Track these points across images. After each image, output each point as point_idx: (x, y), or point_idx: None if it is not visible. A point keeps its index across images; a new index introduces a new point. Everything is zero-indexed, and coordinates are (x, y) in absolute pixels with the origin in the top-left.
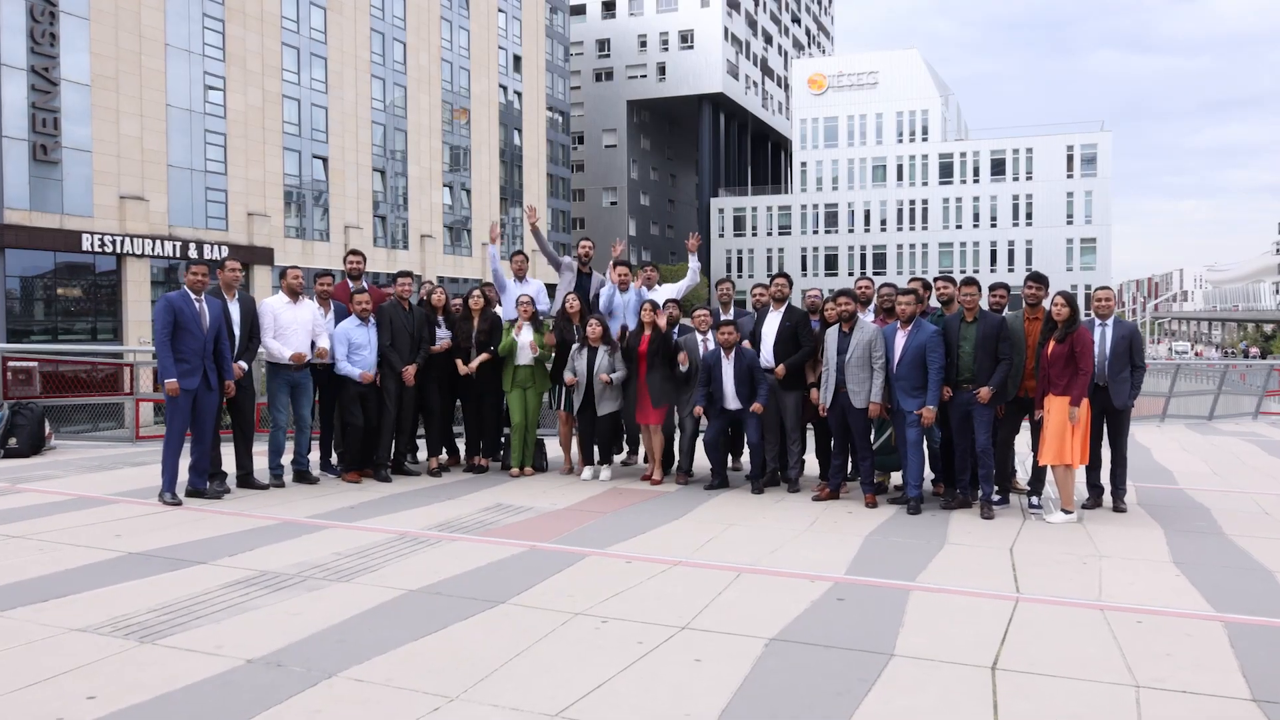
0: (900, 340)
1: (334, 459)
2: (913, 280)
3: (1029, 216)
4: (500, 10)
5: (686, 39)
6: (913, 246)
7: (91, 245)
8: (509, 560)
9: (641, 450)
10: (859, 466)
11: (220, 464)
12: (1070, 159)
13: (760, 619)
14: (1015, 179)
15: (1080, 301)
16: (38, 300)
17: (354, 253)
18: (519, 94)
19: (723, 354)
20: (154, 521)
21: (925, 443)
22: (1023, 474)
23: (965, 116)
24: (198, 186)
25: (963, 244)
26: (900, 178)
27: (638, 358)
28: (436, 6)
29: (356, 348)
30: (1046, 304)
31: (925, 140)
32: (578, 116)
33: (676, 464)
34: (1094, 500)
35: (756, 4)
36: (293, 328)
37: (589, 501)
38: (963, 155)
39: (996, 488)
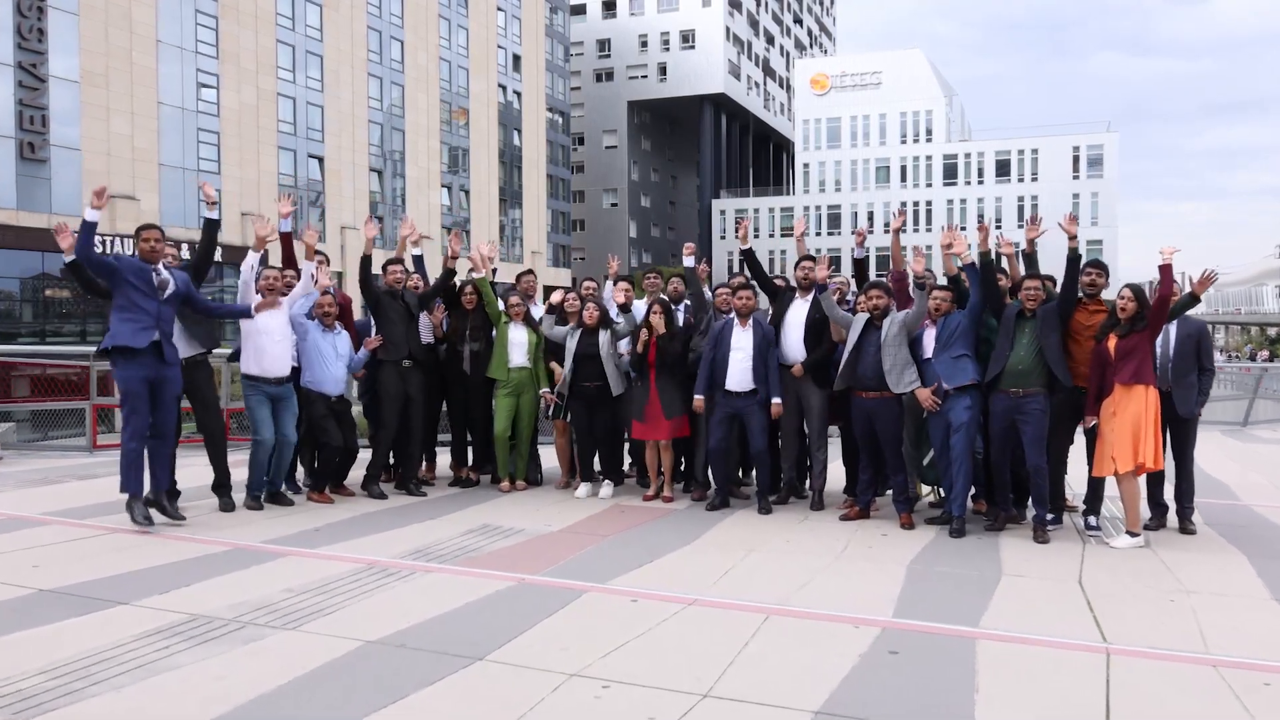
0: (929, 336)
1: (299, 475)
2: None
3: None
4: (499, 9)
5: (688, 39)
6: (916, 248)
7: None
8: (492, 599)
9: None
10: (890, 481)
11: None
12: (1076, 160)
13: (800, 681)
14: (1020, 180)
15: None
16: (26, 302)
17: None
18: (518, 94)
19: (736, 323)
20: (82, 549)
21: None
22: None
23: (967, 118)
24: (190, 186)
25: (967, 246)
26: (904, 179)
27: (646, 368)
28: (435, 5)
29: (322, 363)
30: (1107, 295)
31: (929, 141)
32: (578, 117)
33: (685, 481)
34: (1158, 520)
35: (758, 4)
36: (273, 334)
37: (587, 522)
38: (967, 156)
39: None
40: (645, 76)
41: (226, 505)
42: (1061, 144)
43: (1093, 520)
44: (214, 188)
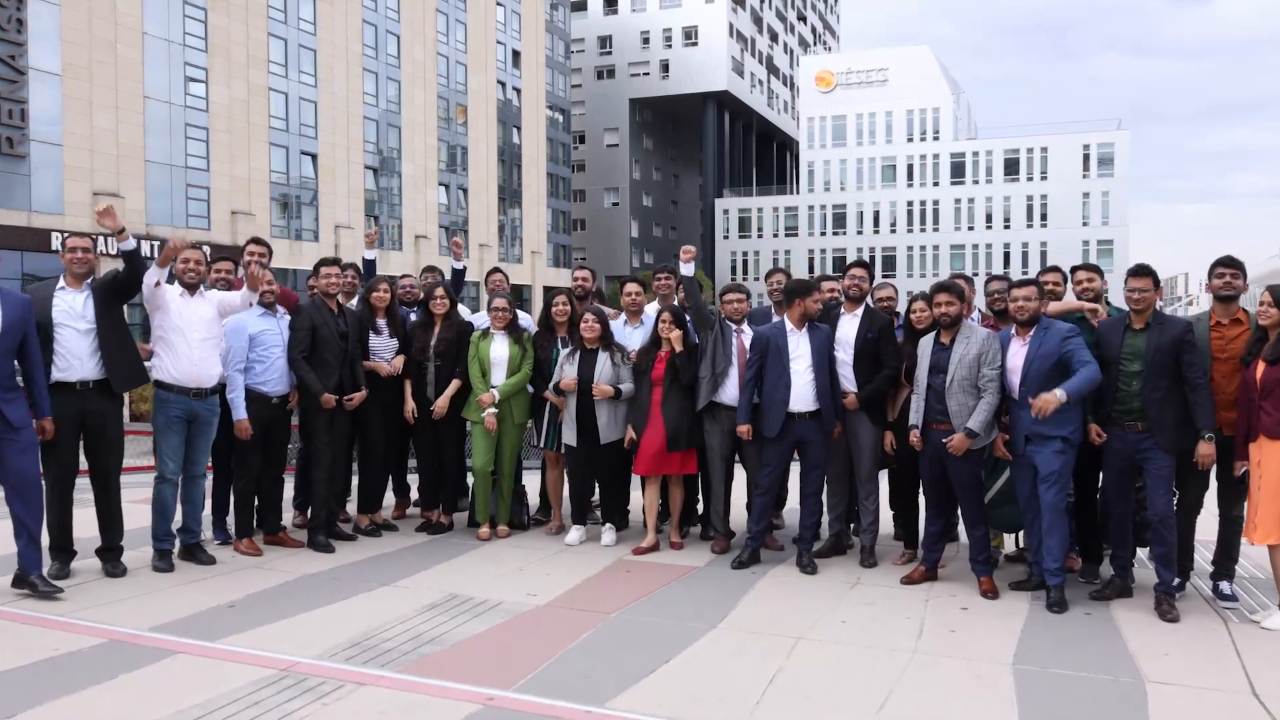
0: (1019, 351)
1: (229, 519)
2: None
3: (1044, 217)
4: (499, 4)
5: (690, 36)
6: (923, 248)
7: (62, 245)
8: None
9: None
10: (968, 536)
11: (70, 533)
12: (1086, 158)
13: None
14: (1029, 179)
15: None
16: None
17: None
18: (518, 91)
19: (789, 326)
20: None
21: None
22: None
23: (974, 118)
24: (178, 183)
25: (975, 246)
26: (910, 178)
27: (649, 385)
28: None
29: (264, 351)
30: (1246, 303)
31: (936, 139)
32: (579, 115)
33: (702, 527)
34: None
35: (762, 1)
36: (190, 332)
37: (583, 589)
38: (975, 155)
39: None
40: (647, 74)
41: (115, 569)
42: (1071, 142)
43: (1225, 587)
44: (118, 214)
